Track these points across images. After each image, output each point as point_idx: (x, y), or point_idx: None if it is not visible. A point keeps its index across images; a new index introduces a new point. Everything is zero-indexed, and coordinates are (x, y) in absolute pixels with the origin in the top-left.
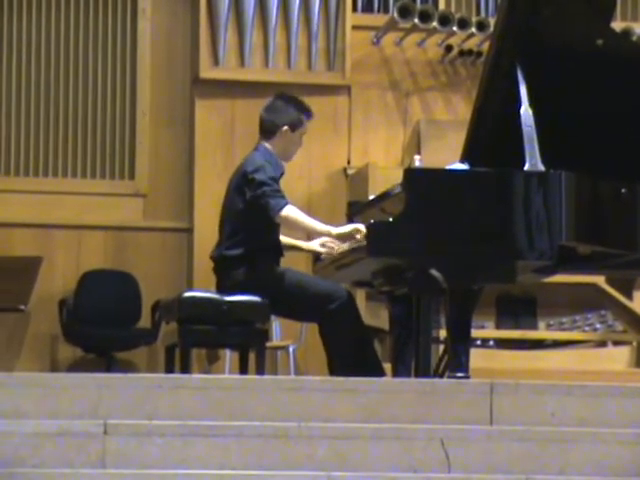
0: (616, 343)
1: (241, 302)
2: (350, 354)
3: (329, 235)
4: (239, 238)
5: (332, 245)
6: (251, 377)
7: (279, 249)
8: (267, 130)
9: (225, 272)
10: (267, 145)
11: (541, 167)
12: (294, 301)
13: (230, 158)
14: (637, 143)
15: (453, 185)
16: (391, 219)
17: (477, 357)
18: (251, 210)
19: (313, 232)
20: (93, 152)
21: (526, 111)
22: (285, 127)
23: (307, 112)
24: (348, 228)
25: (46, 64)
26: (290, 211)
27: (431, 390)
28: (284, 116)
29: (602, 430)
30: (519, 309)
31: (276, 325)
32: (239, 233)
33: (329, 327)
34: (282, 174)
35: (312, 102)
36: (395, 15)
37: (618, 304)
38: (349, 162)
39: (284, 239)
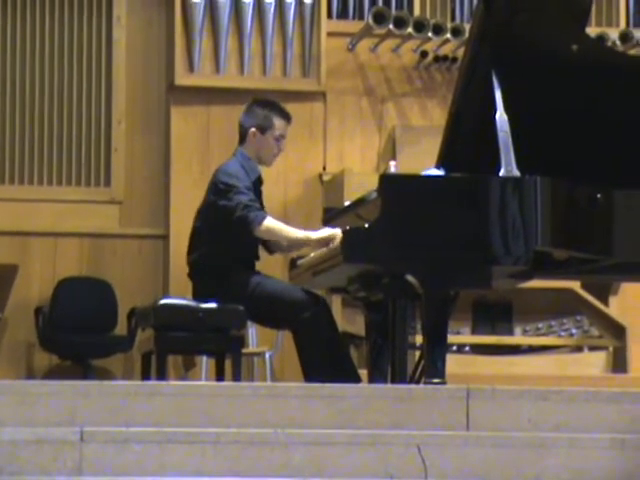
0: (592, 348)
1: (217, 309)
2: (325, 361)
3: (309, 241)
4: (212, 248)
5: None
6: (227, 384)
7: (252, 257)
8: (240, 134)
9: (199, 282)
10: (243, 150)
11: (516, 172)
12: (268, 310)
13: (206, 164)
14: (612, 148)
15: (429, 191)
16: (367, 225)
17: (453, 363)
18: (224, 220)
19: (293, 240)
20: (68, 159)
21: (501, 116)
22: (252, 129)
23: (280, 113)
24: (326, 233)
25: (21, 72)
26: (270, 222)
27: (407, 396)
28: (251, 118)
29: (578, 435)
30: (495, 315)
31: (252, 331)
32: (211, 243)
33: (304, 335)
34: (258, 178)
35: (287, 108)
36: (370, 21)
37: (594, 309)
38: (324, 168)
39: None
